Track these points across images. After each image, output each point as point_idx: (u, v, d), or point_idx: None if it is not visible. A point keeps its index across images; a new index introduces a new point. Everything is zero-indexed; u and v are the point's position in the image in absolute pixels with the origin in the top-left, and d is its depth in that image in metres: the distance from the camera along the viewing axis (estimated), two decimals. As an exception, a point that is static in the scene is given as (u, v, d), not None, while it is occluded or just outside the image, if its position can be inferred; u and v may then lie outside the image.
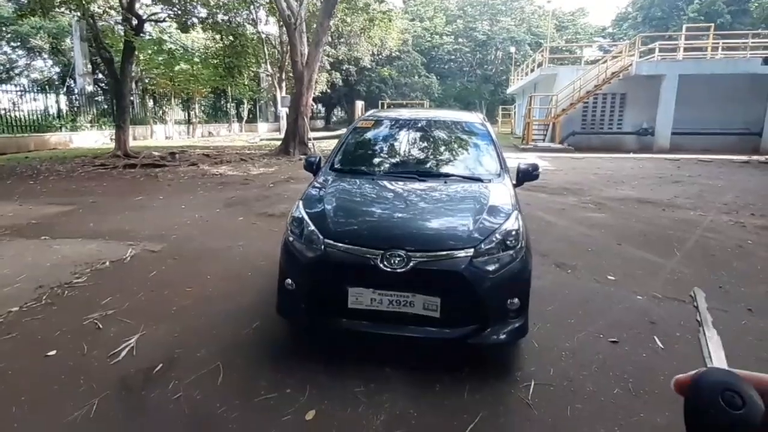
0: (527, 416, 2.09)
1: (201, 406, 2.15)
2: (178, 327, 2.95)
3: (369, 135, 3.55)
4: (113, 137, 12.83)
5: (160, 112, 23.00)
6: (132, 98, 20.69)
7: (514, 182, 3.21)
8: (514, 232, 2.45)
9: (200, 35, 18.14)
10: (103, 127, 18.03)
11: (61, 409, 2.11)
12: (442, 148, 3.45)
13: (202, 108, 26.01)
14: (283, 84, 21.19)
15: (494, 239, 2.39)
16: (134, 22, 11.19)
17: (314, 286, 2.44)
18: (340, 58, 23.43)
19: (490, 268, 2.32)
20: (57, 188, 8.26)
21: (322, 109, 40.16)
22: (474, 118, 3.74)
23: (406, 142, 3.49)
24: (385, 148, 3.44)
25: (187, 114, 24.07)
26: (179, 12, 13.05)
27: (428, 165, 3.22)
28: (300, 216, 2.62)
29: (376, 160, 3.30)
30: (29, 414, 2.08)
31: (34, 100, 16.20)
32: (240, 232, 5.35)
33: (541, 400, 2.19)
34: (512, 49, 31.36)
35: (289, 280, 2.55)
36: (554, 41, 20.93)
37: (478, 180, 2.96)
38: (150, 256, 4.46)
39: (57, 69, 22.66)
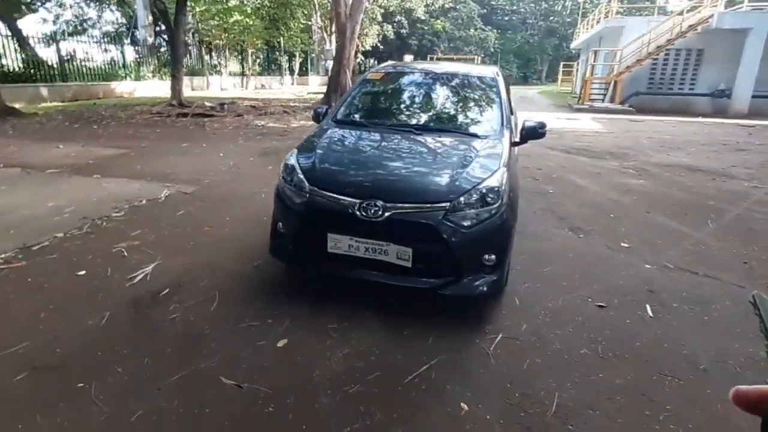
0: (484, 364, 2.16)
1: (192, 326, 2.43)
2: (190, 259, 3.26)
3: (375, 88, 3.53)
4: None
5: (216, 63, 23.70)
6: (190, 49, 21.45)
7: (517, 139, 3.11)
8: (495, 189, 2.42)
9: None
10: (164, 77, 18.93)
11: (79, 318, 2.47)
12: (446, 103, 3.37)
13: (256, 60, 26.44)
14: (333, 37, 20.90)
15: (473, 195, 2.38)
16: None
17: (300, 231, 2.59)
18: (392, 9, 22.54)
19: (465, 222, 2.34)
20: (115, 133, 8.97)
21: (375, 63, 39.35)
22: (487, 72, 3.58)
23: (410, 96, 3.45)
24: (388, 102, 3.42)
25: (241, 66, 24.63)
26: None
27: (426, 119, 3.19)
28: (291, 164, 2.74)
29: (376, 113, 3.31)
30: (54, 319, 2.46)
31: (105, 51, 17.26)
32: (267, 180, 5.61)
33: (503, 352, 2.25)
34: (581, -2, 28.54)
35: (280, 224, 2.72)
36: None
37: (474, 136, 2.90)
38: (182, 197, 4.84)
39: (124, 21, 23.77)
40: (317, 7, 18.68)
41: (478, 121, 3.17)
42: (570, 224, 4.24)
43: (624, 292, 2.92)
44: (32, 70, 13.38)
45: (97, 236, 3.67)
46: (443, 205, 2.33)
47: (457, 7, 30.55)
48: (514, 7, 40.54)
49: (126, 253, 3.33)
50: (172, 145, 7.83)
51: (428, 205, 2.34)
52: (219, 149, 7.58)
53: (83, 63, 16.06)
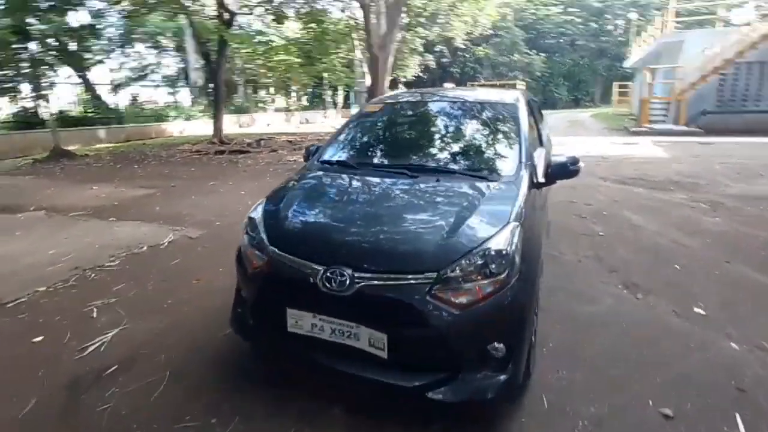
0: None
1: (120, 422, 1.96)
2: (159, 323, 2.85)
3: (372, 121, 3.04)
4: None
5: (263, 100, 24.70)
6: (238, 88, 22.55)
7: (541, 180, 2.45)
8: (502, 253, 1.78)
9: (286, 25, 18.82)
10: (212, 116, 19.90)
11: (2, 401, 2.08)
12: (452, 137, 2.80)
13: (300, 95, 27.33)
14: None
15: (470, 261, 1.76)
16: (226, 16, 11.90)
17: (258, 302, 2.08)
18: (431, 39, 22.48)
19: (459, 300, 1.72)
20: (152, 172, 9.17)
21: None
22: (506, 97, 2.98)
23: (410, 130, 2.91)
24: (384, 138, 2.91)
25: (285, 102, 25.51)
26: (270, 4, 13.56)
27: (425, 158, 2.63)
28: (254, 217, 2.27)
29: (368, 152, 2.80)
30: (-28, 407, 2.08)
31: (159, 94, 18.49)
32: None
33: (516, 496, 1.56)
34: (633, 15, 26.94)
35: (243, 291, 2.23)
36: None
37: (481, 178, 2.28)
38: (185, 242, 4.55)
39: (181, 65, 25.60)
40: (357, 42, 19.01)
41: (489, 159, 2.56)
42: (624, 278, 3.42)
43: (701, 389, 2.10)
44: (90, 114, 14.42)
45: (78, 291, 3.39)
46: (427, 276, 1.73)
47: (499, 33, 30.09)
48: (561, 29, 39.37)
49: (95, 314, 2.99)
50: (200, 184, 7.78)
51: (407, 276, 1.75)
52: (244, 187, 7.41)
53: (138, 105, 17.23)
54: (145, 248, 4.35)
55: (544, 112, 4.84)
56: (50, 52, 11.86)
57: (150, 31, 19.81)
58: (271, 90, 24.08)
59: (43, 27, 10.94)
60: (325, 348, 1.88)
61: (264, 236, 2.11)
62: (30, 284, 3.46)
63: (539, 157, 2.52)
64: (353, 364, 1.84)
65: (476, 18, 18.77)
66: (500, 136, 2.69)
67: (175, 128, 17.78)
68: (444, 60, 29.53)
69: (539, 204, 2.38)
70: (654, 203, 5.71)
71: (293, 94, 24.53)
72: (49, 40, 11.60)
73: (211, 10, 12.66)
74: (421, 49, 24.17)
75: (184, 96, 20.53)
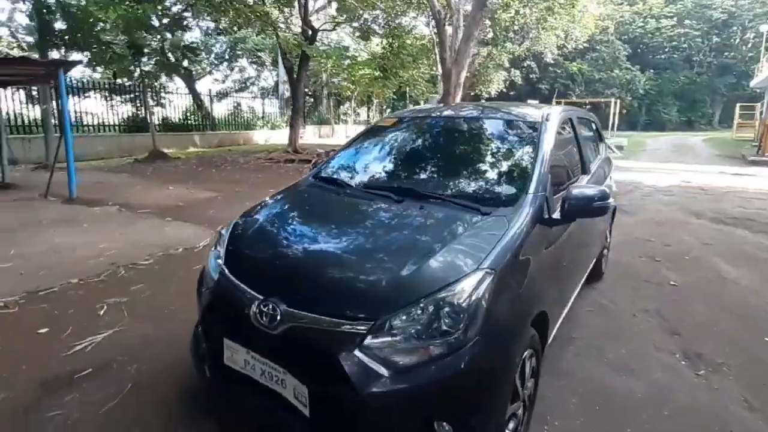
0: None
1: (56, 436, 1.90)
2: (153, 329, 2.85)
3: (378, 138, 2.77)
4: (301, 135, 14.80)
5: (345, 113, 25.63)
6: (322, 100, 23.66)
7: (555, 216, 1.98)
8: (461, 305, 1.40)
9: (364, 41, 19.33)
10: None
11: (-26, 395, 2.16)
12: (458, 158, 2.41)
13: (383, 108, 27.90)
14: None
15: (418, 311, 1.41)
16: (309, 33, 12.51)
17: (202, 326, 1.92)
18: (517, 54, 21.50)
19: (397, 359, 1.37)
20: (225, 177, 9.80)
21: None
22: (531, 116, 2.51)
23: (413, 149, 2.58)
24: (384, 157, 2.61)
25: (367, 114, 26.21)
26: (355, 21, 14.00)
27: (419, 181, 2.28)
28: (223, 232, 2.13)
29: (362, 171, 2.52)
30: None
31: (252, 104, 20.10)
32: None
33: None
34: (765, 28, 23.04)
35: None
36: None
37: (473, 208, 1.89)
38: (219, 247, 4.66)
39: (276, 78, 27.70)
40: (437, 55, 18.87)
41: (489, 187, 2.14)
42: (686, 346, 2.72)
43: None
44: (188, 121, 16.02)
45: (103, 287, 3.56)
46: (362, 324, 1.42)
47: (597, 47, 27.81)
48: (674, 43, 35.35)
49: (102, 312, 3.09)
50: (260, 190, 8.08)
51: (340, 321, 1.45)
52: (297, 196, 7.54)
53: (234, 114, 18.83)
54: (180, 250, 4.51)
55: (647, 133, 4.18)
56: (157, 65, 13.41)
57: (249, 48, 21.63)
58: (353, 103, 24.88)
59: (154, 43, 12.45)
60: (255, 390, 1.65)
61: (222, 254, 1.96)
62: (68, 275, 3.72)
63: (577, 187, 2.04)
64: (278, 414, 1.58)
65: (569, 31, 17.55)
66: (512, 160, 2.25)
67: (261, 137, 19.06)
68: (532, 76, 28.11)
69: (545, 241, 1.92)
70: (758, 251, 4.62)
71: (374, 107, 25.10)
72: (163, 53, 13.14)
73: (297, 27, 13.42)
74: (507, 64, 23.25)
75: (274, 107, 22.05)
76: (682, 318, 3.10)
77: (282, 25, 12.77)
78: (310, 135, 21.69)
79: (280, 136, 19.95)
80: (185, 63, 14.92)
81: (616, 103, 19.92)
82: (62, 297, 3.33)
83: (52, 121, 10.48)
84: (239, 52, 24.03)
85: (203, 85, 24.49)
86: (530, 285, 1.72)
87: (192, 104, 17.61)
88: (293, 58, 13.40)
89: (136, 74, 12.66)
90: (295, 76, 13.39)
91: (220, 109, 19.02)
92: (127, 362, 2.48)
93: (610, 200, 2.04)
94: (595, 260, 3.40)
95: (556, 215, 1.99)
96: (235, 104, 20.05)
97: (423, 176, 2.33)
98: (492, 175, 2.22)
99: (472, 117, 2.66)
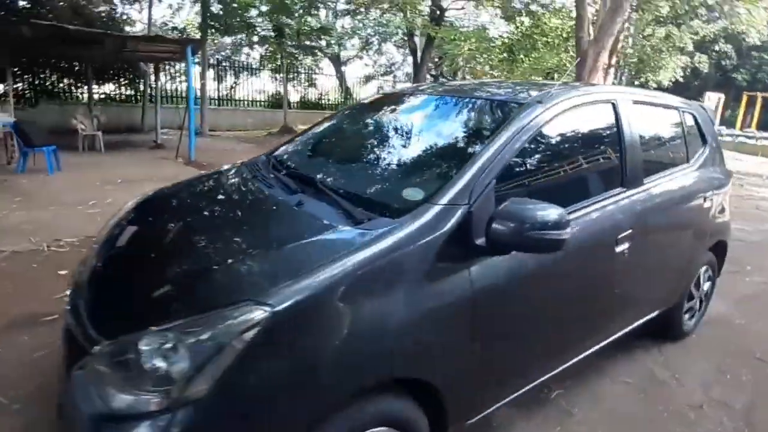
0: None
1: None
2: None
3: (353, 116, 2.36)
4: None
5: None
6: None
7: (478, 241, 1.30)
8: (184, 345, 1.01)
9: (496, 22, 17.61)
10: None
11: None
12: (395, 147, 1.82)
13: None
14: (609, 70, 17.68)
15: (139, 345, 1.04)
16: (437, 13, 12.00)
17: None
18: (705, 35, 17.09)
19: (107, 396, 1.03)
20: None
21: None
22: (522, 96, 1.74)
23: (371, 132, 2.07)
24: (340, 137, 2.18)
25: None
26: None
27: (330, 171, 1.80)
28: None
29: (306, 153, 2.13)
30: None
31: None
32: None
33: None
34: None
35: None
36: None
37: (348, 214, 1.36)
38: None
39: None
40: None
41: (395, 186, 1.56)
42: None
43: None
44: (322, 101, 17.22)
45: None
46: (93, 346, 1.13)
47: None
48: None
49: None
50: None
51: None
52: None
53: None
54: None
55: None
56: (296, 47, 14.56)
57: (391, 32, 22.04)
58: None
59: (296, 27, 13.50)
60: None
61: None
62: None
63: (516, 202, 1.33)
64: None
65: (785, 2, 13.18)
66: (451, 155, 1.60)
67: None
68: (725, 62, 22.25)
69: (522, 282, 1.32)
70: None
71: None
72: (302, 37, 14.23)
73: (426, 6, 13.00)
74: (691, 48, 18.80)
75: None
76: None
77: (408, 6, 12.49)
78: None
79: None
80: (323, 44, 15.87)
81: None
82: (79, 248, 3.63)
83: (194, 94, 12.28)
84: (384, 36, 24.69)
85: (354, 69, 25.93)
86: (375, 339, 1.16)
87: (338, 86, 18.96)
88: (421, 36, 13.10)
89: (278, 56, 13.98)
90: (418, 59, 13.09)
91: (365, 92, 20.02)
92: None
93: (564, 231, 1.26)
94: (657, 312, 2.38)
95: (485, 242, 1.31)
96: (379, 87, 20.95)
97: (345, 165, 1.86)
98: (415, 171, 1.62)
99: (445, 97, 2.01)
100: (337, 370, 1.11)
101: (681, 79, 20.85)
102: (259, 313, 1.03)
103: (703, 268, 2.66)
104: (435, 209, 1.31)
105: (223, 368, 0.99)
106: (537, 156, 1.64)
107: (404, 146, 1.85)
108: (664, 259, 2.23)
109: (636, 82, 20.70)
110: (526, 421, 1.96)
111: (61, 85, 11.66)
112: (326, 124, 2.32)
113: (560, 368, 1.86)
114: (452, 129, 1.81)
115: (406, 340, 1.22)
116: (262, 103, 15.73)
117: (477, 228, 1.32)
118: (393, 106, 2.18)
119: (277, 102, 15.72)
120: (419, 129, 1.93)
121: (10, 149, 6.73)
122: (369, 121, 2.17)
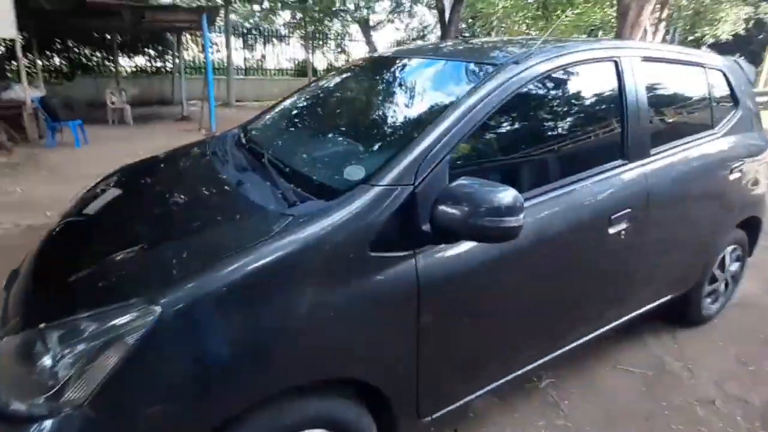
0: None
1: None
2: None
3: (335, 82, 2.16)
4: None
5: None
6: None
7: (424, 227, 1.16)
8: (74, 349, 0.93)
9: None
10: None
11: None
12: (360, 118, 1.65)
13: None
14: (659, 26, 16.00)
15: (46, 335, 0.98)
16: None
17: None
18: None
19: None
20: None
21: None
22: (502, 56, 1.50)
23: (348, 100, 1.92)
24: (316, 105, 2.01)
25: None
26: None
27: (287, 146, 1.69)
28: None
29: (278, 123, 1.98)
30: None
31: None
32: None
33: None
34: None
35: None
36: None
37: (283, 194, 1.24)
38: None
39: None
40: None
41: (337, 164, 1.41)
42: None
43: None
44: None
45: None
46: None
47: None
48: None
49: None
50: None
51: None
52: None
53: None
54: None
55: None
56: (323, 12, 14.13)
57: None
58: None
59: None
60: None
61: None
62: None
63: (465, 180, 1.15)
64: None
65: None
66: (412, 128, 1.40)
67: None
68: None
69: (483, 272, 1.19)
70: None
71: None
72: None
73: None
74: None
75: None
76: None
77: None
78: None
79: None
80: (351, 7, 15.34)
81: None
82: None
83: (212, 65, 12.21)
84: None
85: (385, 34, 24.98)
86: (290, 339, 1.05)
87: (368, 52, 18.43)
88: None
89: (304, 22, 13.66)
90: (446, 20, 12.37)
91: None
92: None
93: (517, 218, 1.07)
94: (668, 298, 2.15)
95: (431, 228, 1.15)
96: (367, 52, 20.18)
97: (301, 139, 1.71)
98: (365, 146, 1.44)
99: (419, 62, 1.79)
100: (242, 373, 1.00)
101: (743, 32, 18.71)
102: (146, 314, 0.93)
103: (730, 248, 2.36)
104: (374, 191, 1.15)
105: (107, 373, 0.91)
106: (509, 127, 1.43)
107: (362, 119, 1.68)
108: (676, 239, 1.97)
109: (690, 38, 18.80)
110: (508, 416, 1.83)
111: (95, 58, 11.96)
112: (297, 95, 2.16)
113: (543, 359, 1.70)
114: (415, 98, 1.61)
115: (331, 339, 1.11)
116: (289, 71, 15.57)
117: (424, 212, 1.16)
118: (363, 75, 2.00)
119: (304, 70, 15.52)
120: (381, 99, 1.74)
121: (42, 124, 7.02)
122: (334, 91, 2.00)
